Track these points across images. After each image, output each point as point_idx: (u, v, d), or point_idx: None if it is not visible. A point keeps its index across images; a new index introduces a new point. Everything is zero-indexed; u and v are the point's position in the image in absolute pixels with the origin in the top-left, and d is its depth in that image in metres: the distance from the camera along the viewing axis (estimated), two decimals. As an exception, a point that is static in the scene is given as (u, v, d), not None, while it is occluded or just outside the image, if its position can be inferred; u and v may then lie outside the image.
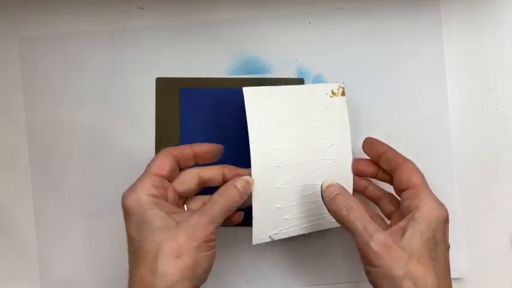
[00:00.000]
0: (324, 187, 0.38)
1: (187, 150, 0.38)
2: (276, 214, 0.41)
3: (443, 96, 0.47)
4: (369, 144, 0.42)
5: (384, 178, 0.41)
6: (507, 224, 0.47)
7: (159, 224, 0.32)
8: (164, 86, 0.47)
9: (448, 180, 0.46)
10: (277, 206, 0.40)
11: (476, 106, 0.47)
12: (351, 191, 0.42)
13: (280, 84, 0.46)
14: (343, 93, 0.42)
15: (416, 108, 0.47)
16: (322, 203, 0.39)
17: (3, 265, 0.48)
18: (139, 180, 0.36)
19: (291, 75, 0.47)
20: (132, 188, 0.35)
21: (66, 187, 0.47)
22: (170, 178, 0.38)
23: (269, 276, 0.47)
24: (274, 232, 0.41)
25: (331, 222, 0.41)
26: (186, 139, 0.47)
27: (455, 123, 0.47)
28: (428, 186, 0.38)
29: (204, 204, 0.36)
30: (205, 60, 0.47)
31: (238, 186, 0.36)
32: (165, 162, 0.37)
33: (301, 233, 0.42)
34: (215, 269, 0.46)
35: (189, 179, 0.38)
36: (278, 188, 0.40)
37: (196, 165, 0.40)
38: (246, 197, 0.37)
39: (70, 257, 0.47)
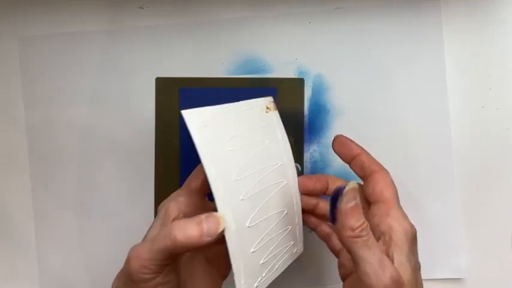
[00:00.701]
0: (346, 189, 0.31)
1: None
2: (252, 260, 0.34)
3: (444, 96, 0.47)
4: (341, 143, 0.38)
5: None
6: (508, 224, 0.47)
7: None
8: (164, 86, 0.47)
9: (448, 180, 0.46)
10: (251, 250, 0.33)
11: (476, 106, 0.47)
12: (300, 211, 0.39)
13: (281, 84, 0.46)
14: (275, 108, 0.39)
15: (417, 108, 0.47)
16: (290, 229, 0.37)
17: (3, 265, 0.48)
18: (175, 192, 0.36)
19: (291, 75, 0.47)
20: (168, 198, 0.35)
21: (66, 187, 0.47)
22: (204, 188, 0.36)
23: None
24: (256, 285, 0.34)
25: (301, 247, 0.40)
26: (185, 139, 0.47)
27: (456, 123, 0.47)
28: (399, 200, 0.36)
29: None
30: (205, 60, 0.47)
31: (203, 227, 0.30)
32: (199, 173, 0.36)
33: (277, 276, 0.37)
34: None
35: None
36: (248, 227, 0.33)
37: None
38: (210, 239, 0.30)
39: (70, 257, 0.47)
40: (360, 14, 0.47)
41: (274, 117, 0.39)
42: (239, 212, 0.33)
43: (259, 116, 0.38)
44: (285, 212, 0.37)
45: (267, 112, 0.38)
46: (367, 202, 0.37)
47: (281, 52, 0.47)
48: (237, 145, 0.34)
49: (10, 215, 0.48)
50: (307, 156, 0.47)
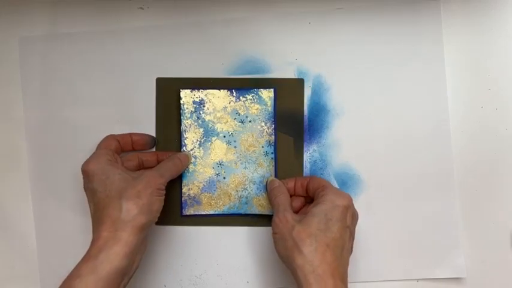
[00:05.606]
0: (268, 181, 0.47)
1: (126, 136, 0.46)
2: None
3: (443, 96, 0.47)
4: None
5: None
6: (507, 223, 0.47)
7: (118, 177, 0.41)
8: (164, 86, 0.47)
9: (448, 180, 0.47)
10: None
11: (475, 106, 0.47)
12: None
13: (281, 84, 0.47)
14: None
15: (416, 108, 0.47)
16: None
17: (3, 265, 0.48)
18: (94, 153, 0.44)
19: (291, 75, 0.47)
20: (91, 157, 0.43)
21: (66, 187, 0.47)
22: (117, 153, 0.46)
23: (269, 276, 0.47)
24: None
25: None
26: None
27: (455, 123, 0.47)
28: (334, 186, 0.45)
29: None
30: (205, 60, 0.47)
31: (180, 158, 0.46)
32: (111, 142, 0.45)
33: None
34: (215, 268, 0.46)
35: (132, 158, 0.46)
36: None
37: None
38: (186, 167, 0.47)
39: (70, 257, 0.47)
40: (359, 14, 0.47)
41: None
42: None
43: None
44: None
45: None
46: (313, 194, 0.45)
47: (281, 52, 0.47)
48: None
49: (10, 215, 0.48)
50: (307, 156, 0.47)
